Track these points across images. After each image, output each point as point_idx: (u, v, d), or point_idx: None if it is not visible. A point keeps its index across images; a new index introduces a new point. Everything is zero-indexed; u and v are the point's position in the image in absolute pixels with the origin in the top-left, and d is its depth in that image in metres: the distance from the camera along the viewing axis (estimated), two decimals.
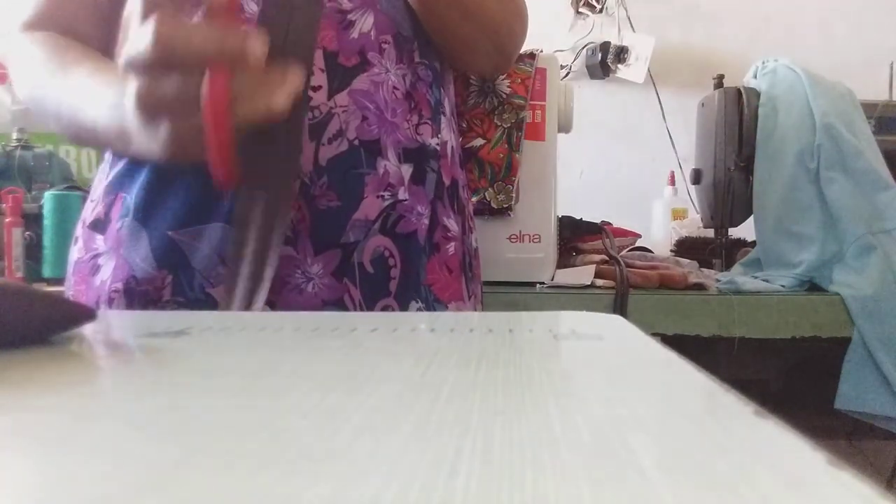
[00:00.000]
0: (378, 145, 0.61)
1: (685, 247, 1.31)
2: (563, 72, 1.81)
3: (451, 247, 0.67)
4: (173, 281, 0.57)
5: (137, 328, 0.30)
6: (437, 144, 0.66)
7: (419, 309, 0.62)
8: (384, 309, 0.61)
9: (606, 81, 1.88)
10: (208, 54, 0.43)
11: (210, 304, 0.57)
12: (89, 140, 0.61)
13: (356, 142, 0.60)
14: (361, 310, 0.60)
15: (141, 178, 0.59)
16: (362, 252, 0.60)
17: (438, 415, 0.16)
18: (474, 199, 0.92)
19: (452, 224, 0.67)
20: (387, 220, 0.61)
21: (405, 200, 0.62)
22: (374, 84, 0.61)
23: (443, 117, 0.69)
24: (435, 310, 0.64)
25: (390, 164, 0.62)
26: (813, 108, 1.10)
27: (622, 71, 1.85)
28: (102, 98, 0.54)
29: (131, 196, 0.59)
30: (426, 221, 0.64)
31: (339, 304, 0.59)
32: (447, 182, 0.68)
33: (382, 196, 0.61)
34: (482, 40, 0.72)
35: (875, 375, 0.95)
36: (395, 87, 0.63)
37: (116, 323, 0.32)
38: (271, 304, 0.57)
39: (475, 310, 0.71)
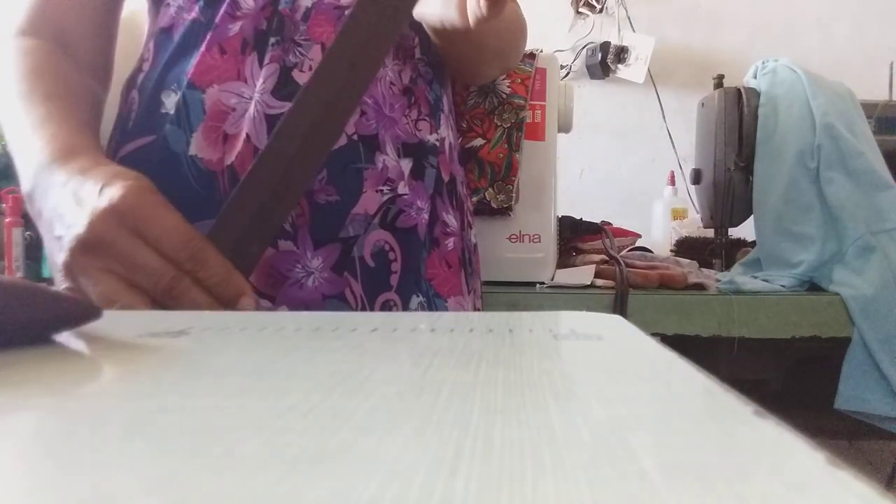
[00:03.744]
0: (376, 140, 0.61)
1: (685, 247, 1.31)
2: (563, 72, 1.81)
3: (451, 242, 0.67)
4: None
5: (137, 328, 0.30)
6: (437, 141, 0.67)
7: (420, 303, 0.62)
8: (385, 303, 0.61)
9: (606, 81, 1.88)
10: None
11: None
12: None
13: (354, 136, 0.60)
14: (363, 304, 0.60)
15: None
16: (362, 246, 0.60)
17: (438, 415, 0.16)
18: (474, 198, 0.92)
19: (451, 220, 0.68)
20: (387, 214, 0.61)
21: (405, 195, 0.62)
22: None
23: (442, 114, 0.69)
24: (435, 304, 0.64)
25: (389, 158, 0.62)
26: (813, 108, 1.10)
27: (622, 71, 1.85)
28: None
29: None
30: (426, 216, 0.64)
31: (340, 299, 0.59)
32: (446, 178, 0.68)
33: (382, 190, 0.61)
34: (492, 61, 0.75)
35: (875, 375, 0.95)
36: (391, 83, 0.63)
37: (116, 322, 0.32)
38: (272, 300, 0.57)
39: (475, 304, 0.71)
